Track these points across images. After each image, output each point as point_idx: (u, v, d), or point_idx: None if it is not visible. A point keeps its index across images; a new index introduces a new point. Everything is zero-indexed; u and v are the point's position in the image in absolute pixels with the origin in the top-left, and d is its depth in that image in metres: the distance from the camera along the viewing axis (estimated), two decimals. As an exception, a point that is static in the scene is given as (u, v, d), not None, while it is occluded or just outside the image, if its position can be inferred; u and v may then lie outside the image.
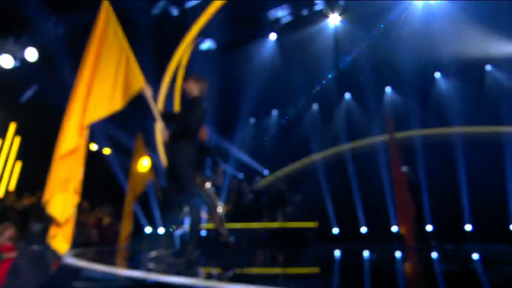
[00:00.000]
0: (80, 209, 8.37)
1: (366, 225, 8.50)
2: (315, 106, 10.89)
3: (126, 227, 5.88)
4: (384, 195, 8.10)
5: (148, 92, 3.02)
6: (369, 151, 9.21)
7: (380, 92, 9.81)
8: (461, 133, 7.94)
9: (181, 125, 3.02)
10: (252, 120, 11.70)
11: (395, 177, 5.08)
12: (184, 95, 3.34)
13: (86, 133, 2.82)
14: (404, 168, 5.66)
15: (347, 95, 10.25)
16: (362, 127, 9.85)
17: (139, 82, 2.91)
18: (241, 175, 11.06)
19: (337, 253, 4.73)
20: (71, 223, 2.61)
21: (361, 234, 8.51)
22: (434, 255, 4.38)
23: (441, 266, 2.86)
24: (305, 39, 8.72)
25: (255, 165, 11.27)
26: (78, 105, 2.81)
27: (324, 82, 9.64)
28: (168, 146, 3.21)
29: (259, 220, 8.24)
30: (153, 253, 2.78)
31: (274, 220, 8.15)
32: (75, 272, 2.10)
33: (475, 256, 4.28)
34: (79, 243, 6.75)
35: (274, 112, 11.60)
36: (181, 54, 6.52)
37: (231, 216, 8.38)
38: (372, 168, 8.44)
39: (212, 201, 4.10)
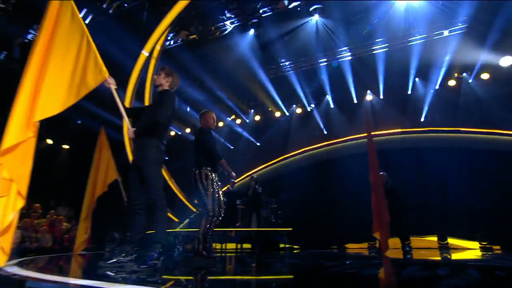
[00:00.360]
0: (31, 212, 7.87)
1: (341, 230, 8.70)
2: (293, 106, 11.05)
3: (82, 231, 5.52)
4: (362, 199, 8.34)
5: (112, 85, 2.87)
6: (347, 153, 9.46)
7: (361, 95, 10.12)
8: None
9: (148, 120, 2.90)
10: (227, 119, 11.65)
11: (373, 181, 5.18)
12: (155, 90, 3.24)
13: (35, 128, 2.63)
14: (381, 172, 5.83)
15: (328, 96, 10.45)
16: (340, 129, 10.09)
17: (102, 73, 2.77)
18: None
19: (307, 258, 4.78)
20: (12, 231, 2.39)
21: (337, 239, 8.69)
22: (406, 261, 4.55)
23: (407, 272, 2.96)
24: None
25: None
26: (24, 98, 2.60)
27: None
28: (135, 143, 3.08)
29: (233, 224, 8.19)
30: (113, 260, 2.64)
31: (249, 224, 8.13)
32: (18, 283, 1.93)
33: (443, 261, 4.50)
34: (27, 250, 6.34)
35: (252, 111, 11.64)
36: (152, 45, 6.31)
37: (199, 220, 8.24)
38: (349, 171, 8.67)
39: (214, 206, 3.62)
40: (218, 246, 7.56)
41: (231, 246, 7.72)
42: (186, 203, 9.74)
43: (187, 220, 8.90)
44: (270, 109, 11.25)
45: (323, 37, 8.62)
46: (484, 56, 8.18)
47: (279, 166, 10.89)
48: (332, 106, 10.42)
